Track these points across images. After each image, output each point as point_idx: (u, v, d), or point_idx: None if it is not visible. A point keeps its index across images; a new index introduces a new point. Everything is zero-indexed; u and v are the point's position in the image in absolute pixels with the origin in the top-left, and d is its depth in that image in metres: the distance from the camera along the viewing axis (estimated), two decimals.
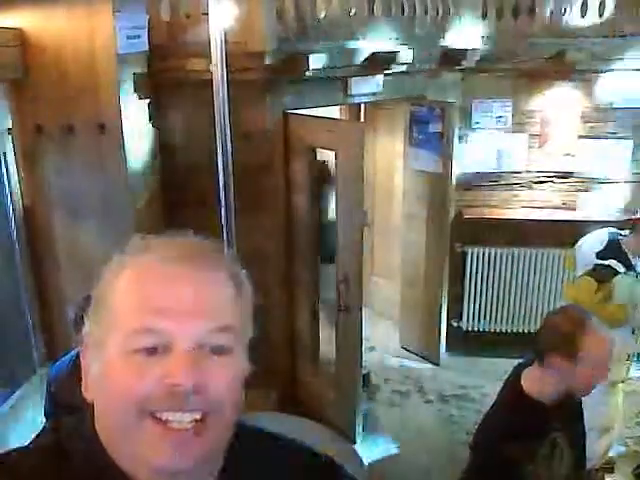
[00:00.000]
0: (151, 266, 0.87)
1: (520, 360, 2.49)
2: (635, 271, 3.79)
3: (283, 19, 4.08)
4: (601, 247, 3.83)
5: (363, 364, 4.70)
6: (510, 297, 5.84)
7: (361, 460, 4.11)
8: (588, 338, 2.18)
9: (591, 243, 3.94)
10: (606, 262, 3.75)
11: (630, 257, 3.81)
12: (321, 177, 4.89)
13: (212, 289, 0.87)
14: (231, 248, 3.01)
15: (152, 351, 0.82)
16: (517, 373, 2.41)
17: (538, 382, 2.29)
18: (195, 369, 0.81)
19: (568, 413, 2.36)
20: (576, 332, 2.18)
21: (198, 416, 0.83)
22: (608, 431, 3.98)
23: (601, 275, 3.71)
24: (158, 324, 0.82)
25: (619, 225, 4.10)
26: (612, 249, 3.79)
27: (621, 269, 3.72)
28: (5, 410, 3.57)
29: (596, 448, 3.97)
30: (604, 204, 5.65)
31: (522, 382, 2.34)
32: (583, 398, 3.66)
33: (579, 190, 5.71)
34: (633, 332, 3.88)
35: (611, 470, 4.12)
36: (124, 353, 0.83)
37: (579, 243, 4.11)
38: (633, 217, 4.01)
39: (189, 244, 0.91)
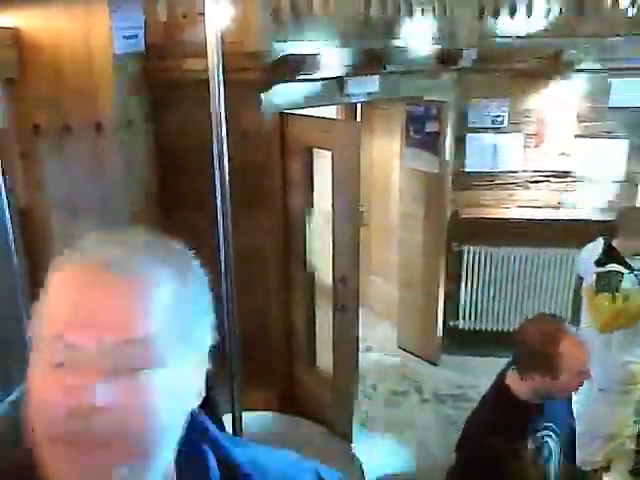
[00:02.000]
0: (76, 269, 0.80)
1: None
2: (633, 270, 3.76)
3: (279, 18, 4.08)
4: (598, 255, 3.80)
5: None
6: (507, 296, 5.85)
7: (358, 460, 4.12)
8: (566, 354, 2.20)
9: (589, 253, 3.90)
10: (606, 268, 3.71)
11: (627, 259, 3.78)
12: None
13: (134, 293, 0.78)
14: (227, 248, 3.01)
15: (65, 362, 0.74)
16: (503, 372, 2.44)
17: (521, 384, 2.32)
18: (100, 388, 0.73)
19: (557, 412, 2.38)
20: (554, 351, 2.20)
21: (104, 437, 0.74)
22: (613, 440, 3.99)
23: (606, 282, 3.67)
24: (66, 331, 0.75)
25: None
26: (609, 254, 3.77)
27: (623, 270, 3.69)
28: (0, 412, 3.56)
29: (596, 458, 3.98)
30: (600, 203, 5.67)
31: (507, 381, 2.36)
32: (591, 407, 3.69)
33: (575, 189, 5.72)
34: None
35: (608, 469, 4.13)
36: (38, 362, 0.77)
37: (580, 255, 4.09)
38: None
39: (126, 247, 0.82)
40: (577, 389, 2.35)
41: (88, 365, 0.74)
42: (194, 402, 0.86)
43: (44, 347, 0.76)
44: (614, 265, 3.68)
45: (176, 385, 0.80)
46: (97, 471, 0.75)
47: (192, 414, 0.87)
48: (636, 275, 3.71)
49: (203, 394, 0.87)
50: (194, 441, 0.90)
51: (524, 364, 2.28)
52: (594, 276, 3.71)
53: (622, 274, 3.65)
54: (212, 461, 0.91)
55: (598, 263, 3.74)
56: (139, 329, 0.76)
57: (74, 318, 0.75)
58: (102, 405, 0.73)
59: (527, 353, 2.27)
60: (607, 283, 3.63)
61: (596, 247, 3.86)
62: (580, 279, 4.12)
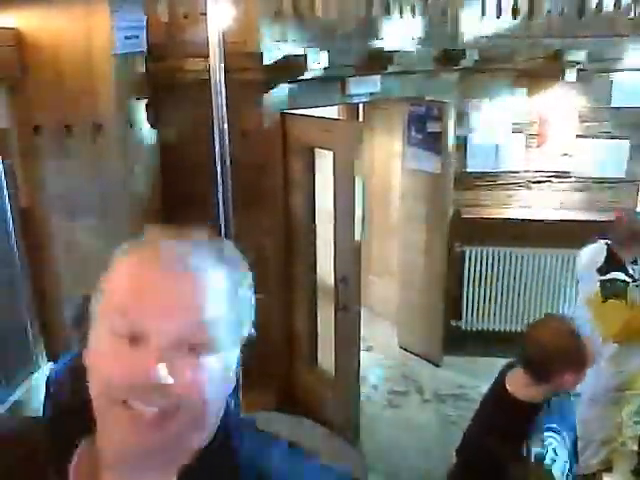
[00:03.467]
0: (145, 256, 0.88)
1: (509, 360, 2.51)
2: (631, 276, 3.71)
3: (281, 19, 4.08)
4: (601, 262, 3.74)
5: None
6: (509, 297, 5.84)
7: (360, 460, 4.11)
8: (589, 349, 2.25)
9: (591, 258, 3.82)
10: (610, 276, 3.67)
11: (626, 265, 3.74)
12: None
13: (198, 284, 0.86)
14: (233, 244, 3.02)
15: (132, 339, 0.83)
16: (502, 374, 2.42)
17: (525, 387, 2.30)
18: (164, 368, 0.81)
19: (559, 413, 2.37)
20: (583, 349, 2.24)
21: (160, 409, 0.83)
22: (608, 444, 3.98)
23: (612, 290, 3.61)
24: (135, 311, 0.83)
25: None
26: (611, 261, 3.72)
27: (627, 279, 3.65)
28: (3, 411, 3.56)
29: (593, 460, 3.97)
30: (601, 204, 5.66)
31: (507, 384, 2.35)
32: (588, 411, 3.68)
33: (577, 190, 5.72)
34: None
35: (609, 470, 4.13)
36: (105, 335, 0.85)
37: (579, 257, 4.02)
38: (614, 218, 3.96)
39: (187, 240, 0.91)
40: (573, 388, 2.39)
41: (150, 344, 0.82)
42: (232, 384, 0.94)
43: (108, 320, 0.85)
44: (617, 273, 3.64)
45: (226, 368, 0.89)
46: (139, 436, 0.83)
47: (227, 404, 0.95)
48: (637, 284, 3.68)
49: (234, 383, 0.94)
50: (226, 430, 0.95)
51: (555, 366, 2.23)
52: (598, 284, 3.65)
53: (627, 282, 3.63)
54: (239, 455, 0.95)
55: (600, 271, 3.69)
56: (198, 314, 0.84)
57: (139, 299, 0.84)
58: (160, 383, 0.81)
59: (558, 354, 2.23)
60: (613, 291, 3.59)
61: (596, 251, 3.79)
62: (577, 282, 4.07)
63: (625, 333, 3.57)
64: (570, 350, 2.23)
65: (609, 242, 3.76)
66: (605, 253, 3.74)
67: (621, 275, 3.64)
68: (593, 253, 3.82)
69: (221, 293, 0.88)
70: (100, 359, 0.85)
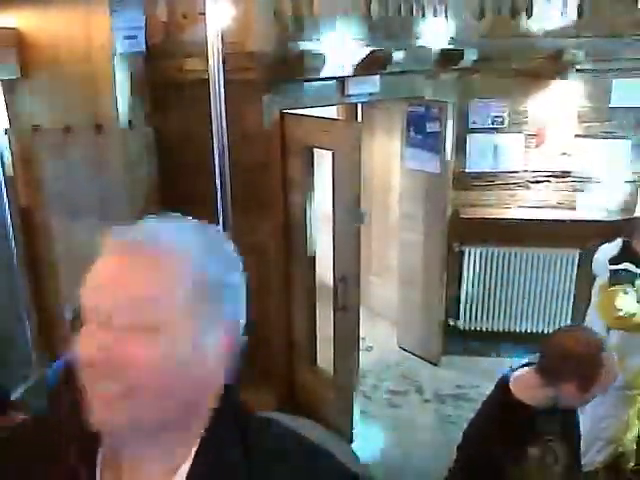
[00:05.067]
0: (109, 247, 0.93)
1: (515, 359, 2.50)
2: None
3: (280, 19, 4.08)
4: (615, 253, 3.80)
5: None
6: (507, 296, 5.85)
7: (359, 460, 4.11)
8: (605, 370, 2.20)
9: (606, 251, 3.90)
10: (621, 266, 3.71)
11: None
12: None
13: (141, 265, 0.89)
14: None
15: (87, 320, 0.88)
16: (506, 375, 2.41)
17: (532, 389, 2.29)
18: (101, 342, 0.86)
19: (563, 417, 2.36)
20: (598, 367, 2.19)
21: (117, 387, 0.86)
22: (614, 442, 3.99)
23: (620, 278, 3.66)
24: (90, 292, 0.89)
25: (615, 225, 4.08)
26: (625, 253, 3.76)
27: (638, 270, 3.69)
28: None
29: (598, 458, 3.98)
30: (601, 204, 5.67)
31: (511, 386, 2.34)
32: (591, 410, 3.68)
33: (576, 190, 5.72)
34: None
35: (611, 469, 4.13)
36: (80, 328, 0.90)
37: (595, 255, 4.09)
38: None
39: (159, 225, 0.95)
40: (580, 406, 2.36)
41: (94, 321, 0.87)
42: (219, 375, 0.96)
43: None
44: (628, 264, 3.69)
45: (184, 349, 0.89)
46: (108, 413, 0.88)
47: (227, 392, 0.98)
48: None
49: (234, 370, 0.97)
50: (225, 418, 0.98)
51: (563, 373, 2.21)
52: (608, 273, 3.72)
53: (637, 274, 3.66)
54: (237, 443, 0.97)
55: (612, 261, 3.75)
56: (138, 292, 0.87)
57: (95, 282, 0.89)
58: (109, 360, 0.85)
59: (570, 364, 2.21)
60: (620, 279, 3.64)
61: (612, 246, 3.87)
62: (594, 279, 4.10)
63: (621, 319, 3.61)
64: (586, 362, 2.19)
65: (626, 238, 3.82)
66: (620, 245, 3.81)
67: (632, 266, 3.69)
68: (608, 248, 3.89)
69: (184, 272, 0.89)
70: (77, 351, 0.90)
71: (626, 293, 3.60)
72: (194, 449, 0.95)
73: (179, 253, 0.90)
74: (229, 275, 0.95)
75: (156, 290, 0.88)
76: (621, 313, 3.59)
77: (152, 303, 0.87)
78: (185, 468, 0.94)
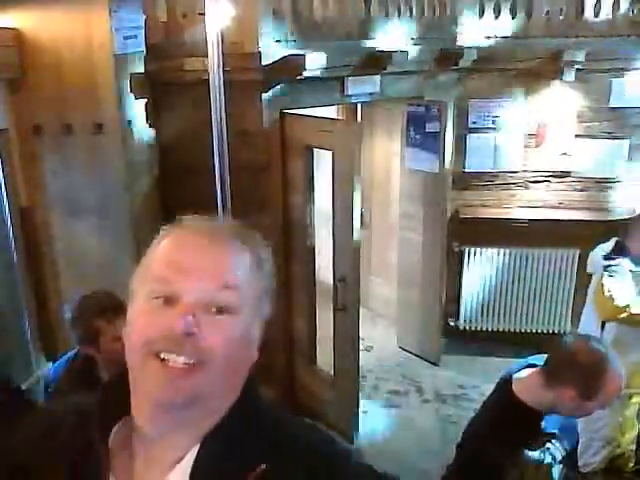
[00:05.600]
0: (180, 235, 1.04)
1: (516, 359, 2.49)
2: None
3: (280, 19, 4.08)
4: (609, 249, 3.87)
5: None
6: (507, 296, 5.85)
7: (360, 459, 4.11)
8: (607, 383, 2.18)
9: (601, 247, 3.98)
10: (615, 262, 3.75)
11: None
12: None
13: (224, 256, 1.01)
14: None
15: (165, 300, 0.97)
16: (509, 377, 2.40)
17: (534, 391, 2.28)
18: (191, 320, 0.94)
19: (560, 417, 2.36)
20: (598, 378, 2.18)
21: (190, 360, 0.94)
22: (611, 443, 3.99)
23: (612, 275, 3.72)
24: (171, 277, 0.97)
25: (615, 225, 4.11)
26: (620, 249, 3.81)
27: (631, 266, 3.73)
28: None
29: (595, 459, 3.98)
30: (600, 204, 5.67)
31: (514, 386, 2.33)
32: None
33: (575, 190, 5.72)
34: None
35: (608, 470, 4.13)
36: (145, 300, 0.99)
37: (591, 253, 4.12)
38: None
39: (217, 223, 1.10)
40: (579, 416, 2.34)
41: (181, 303, 0.96)
42: (254, 357, 1.08)
43: (146, 286, 0.99)
44: (622, 259, 3.74)
45: (248, 332, 1.03)
46: (171, 385, 0.94)
47: (250, 382, 1.08)
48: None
49: (256, 357, 1.09)
50: (246, 400, 1.06)
51: (565, 379, 2.20)
52: (602, 269, 3.79)
53: (630, 271, 3.71)
54: (254, 422, 1.05)
55: (606, 257, 3.83)
56: (228, 281, 0.99)
57: (173, 267, 0.98)
58: (188, 332, 0.93)
59: (572, 370, 2.20)
60: (614, 273, 3.72)
61: (607, 245, 3.94)
62: (590, 277, 4.13)
63: (615, 310, 3.67)
64: (588, 370, 2.18)
65: (621, 238, 3.89)
66: (614, 244, 3.88)
67: (625, 261, 3.75)
68: (604, 247, 3.96)
69: (244, 265, 1.02)
70: (139, 319, 0.98)
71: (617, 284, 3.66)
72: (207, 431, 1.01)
73: (244, 248, 1.04)
74: (269, 271, 1.09)
75: (242, 277, 1.01)
76: (617, 302, 3.62)
77: (237, 289, 0.99)
78: (195, 450, 1.00)
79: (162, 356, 0.95)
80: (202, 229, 1.04)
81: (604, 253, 3.87)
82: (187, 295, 0.96)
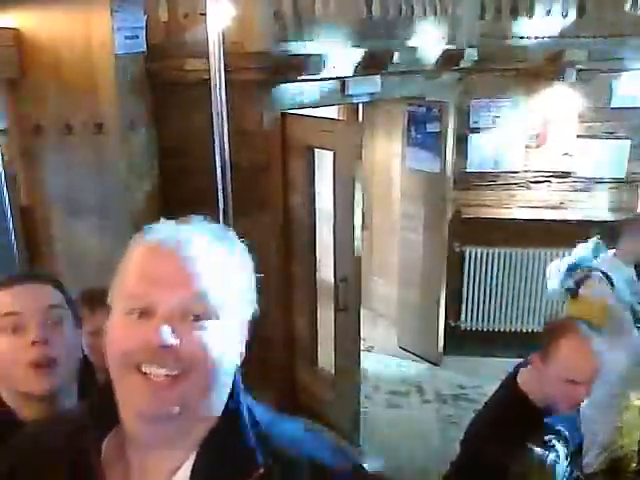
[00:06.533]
0: (149, 246, 1.00)
1: (520, 360, 2.48)
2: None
3: (281, 19, 4.08)
4: (584, 254, 3.87)
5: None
6: (508, 297, 5.84)
7: (360, 461, 4.11)
8: (564, 342, 2.15)
9: (576, 252, 3.97)
10: (594, 264, 3.77)
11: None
12: None
13: (195, 261, 0.98)
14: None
15: (141, 314, 0.95)
16: (514, 372, 2.40)
17: (530, 383, 2.29)
18: (168, 332, 0.93)
19: (566, 418, 2.35)
20: (555, 334, 2.19)
21: (173, 372, 0.94)
22: (610, 446, 3.98)
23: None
24: (144, 290, 0.96)
25: (615, 225, 4.10)
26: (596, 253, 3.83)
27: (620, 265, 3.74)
28: None
29: (596, 461, 3.98)
30: (601, 204, 5.66)
31: (518, 380, 2.34)
32: (590, 413, 3.67)
33: (577, 190, 5.72)
34: None
35: (609, 471, 4.13)
36: (121, 314, 0.97)
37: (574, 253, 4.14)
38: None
39: (186, 226, 1.04)
40: (573, 403, 2.30)
41: (157, 314, 0.95)
42: (241, 356, 1.05)
43: (121, 302, 0.98)
44: (595, 261, 3.80)
45: (230, 334, 1.01)
46: (154, 398, 0.93)
47: (234, 381, 1.05)
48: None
49: (243, 355, 1.06)
50: (236, 403, 1.05)
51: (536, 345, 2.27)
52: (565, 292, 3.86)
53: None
54: (248, 426, 1.03)
55: (571, 267, 3.86)
56: (194, 286, 0.96)
57: (145, 281, 0.97)
58: (167, 344, 0.92)
59: (551, 326, 2.27)
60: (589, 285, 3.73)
61: (583, 248, 3.93)
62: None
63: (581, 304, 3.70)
64: (546, 330, 2.22)
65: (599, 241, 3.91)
66: (591, 247, 3.90)
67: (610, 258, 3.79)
68: (580, 248, 3.96)
69: (217, 267, 1.00)
70: (116, 334, 0.97)
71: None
72: (202, 439, 1.00)
73: (215, 250, 1.01)
74: (247, 268, 1.08)
75: (216, 280, 0.99)
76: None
77: (212, 293, 0.97)
78: (192, 457, 0.99)
79: (143, 369, 0.94)
80: (170, 236, 1.00)
81: (574, 260, 3.85)
82: (162, 306, 0.95)
